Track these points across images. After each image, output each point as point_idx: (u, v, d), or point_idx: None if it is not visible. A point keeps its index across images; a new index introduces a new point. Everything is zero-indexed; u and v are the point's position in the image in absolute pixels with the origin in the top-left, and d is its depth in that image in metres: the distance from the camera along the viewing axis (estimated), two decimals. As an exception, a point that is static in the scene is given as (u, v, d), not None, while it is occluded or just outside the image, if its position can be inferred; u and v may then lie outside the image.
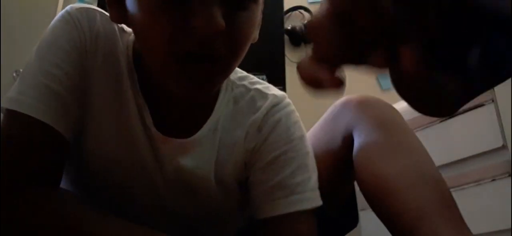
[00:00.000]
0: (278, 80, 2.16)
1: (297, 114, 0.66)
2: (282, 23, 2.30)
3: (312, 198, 0.60)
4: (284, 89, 2.24)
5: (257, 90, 0.67)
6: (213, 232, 0.71)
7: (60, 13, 0.60)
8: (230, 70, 0.55)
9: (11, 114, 0.53)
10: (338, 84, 0.26)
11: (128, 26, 0.58)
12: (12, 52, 1.68)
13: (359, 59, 0.27)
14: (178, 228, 0.66)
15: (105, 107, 0.59)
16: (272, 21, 2.22)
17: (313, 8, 2.57)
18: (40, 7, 1.98)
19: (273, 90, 0.68)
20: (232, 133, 0.64)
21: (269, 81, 0.70)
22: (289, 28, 2.47)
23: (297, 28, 2.47)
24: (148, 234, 0.52)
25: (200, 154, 0.62)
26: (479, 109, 1.54)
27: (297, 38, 2.49)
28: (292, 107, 0.67)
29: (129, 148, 0.60)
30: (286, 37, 2.45)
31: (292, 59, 2.45)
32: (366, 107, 0.60)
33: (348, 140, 0.61)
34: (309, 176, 0.62)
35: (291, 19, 2.57)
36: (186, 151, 0.61)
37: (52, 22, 0.59)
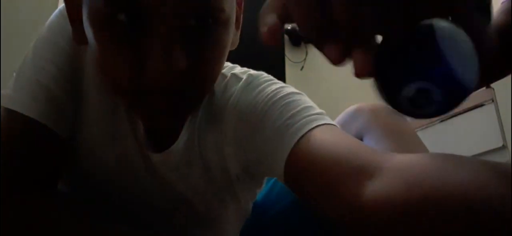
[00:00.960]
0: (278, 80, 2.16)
1: (280, 83, 0.60)
2: (282, 23, 2.31)
3: (313, 120, 0.51)
4: (284, 89, 2.24)
5: (234, 74, 0.61)
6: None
7: (58, 8, 0.58)
8: (200, 98, 0.52)
9: (6, 112, 0.52)
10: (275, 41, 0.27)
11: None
12: (12, 52, 1.68)
13: (319, 42, 0.28)
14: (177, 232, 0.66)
15: (98, 110, 0.58)
16: (272, 21, 2.22)
17: (313, 8, 2.57)
18: (41, 7, 1.98)
19: (251, 71, 0.62)
20: (211, 129, 0.59)
21: (269, 82, 0.68)
22: (289, 28, 2.47)
23: (297, 28, 2.47)
24: None
25: (184, 165, 0.60)
26: (479, 109, 1.54)
27: (297, 38, 2.49)
28: (272, 78, 0.60)
29: (120, 156, 0.59)
30: (285, 37, 2.45)
31: (292, 59, 2.45)
32: (378, 115, 0.60)
33: None
34: (306, 106, 0.54)
35: (291, 19, 2.57)
36: (170, 164, 0.59)
37: (50, 18, 0.58)
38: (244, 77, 0.61)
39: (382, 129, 0.58)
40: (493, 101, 1.52)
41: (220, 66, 0.51)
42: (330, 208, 0.44)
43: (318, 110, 0.55)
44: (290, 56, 2.45)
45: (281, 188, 0.68)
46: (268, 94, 0.56)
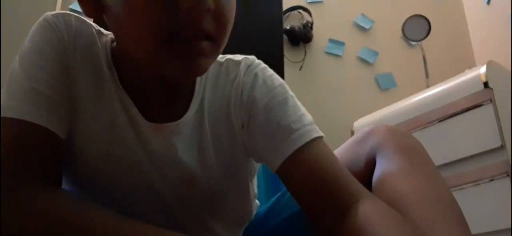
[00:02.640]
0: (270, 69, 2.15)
1: (270, 69, 0.71)
2: (280, 23, 2.30)
3: (312, 130, 0.63)
4: (283, 89, 2.23)
5: (228, 59, 0.69)
6: (219, 227, 0.71)
7: (37, 22, 0.61)
8: (219, 48, 0.57)
9: (4, 122, 0.53)
10: None
11: (107, 19, 0.59)
12: (12, 52, 1.68)
13: None
14: (181, 223, 0.67)
15: (90, 106, 0.60)
16: (271, 21, 2.22)
17: (312, 8, 2.57)
18: (40, 8, 1.98)
19: (242, 57, 0.71)
20: (218, 108, 0.66)
21: (268, 81, 0.70)
22: (288, 28, 2.47)
23: (296, 28, 2.47)
24: (150, 231, 0.52)
25: (189, 138, 0.64)
26: (477, 110, 1.54)
27: (296, 38, 2.48)
28: (264, 64, 0.71)
29: (118, 145, 0.61)
30: (285, 37, 2.45)
31: (291, 59, 2.45)
32: (392, 135, 0.62)
33: (371, 163, 0.63)
34: (302, 113, 0.65)
35: (290, 19, 2.57)
36: (174, 136, 0.62)
37: (31, 31, 0.61)
38: (242, 60, 0.69)
39: (394, 148, 0.60)
40: (491, 101, 1.52)
41: (231, 23, 0.57)
42: (311, 220, 0.60)
43: (309, 117, 0.65)
44: (289, 56, 2.45)
45: (288, 200, 0.71)
46: (273, 89, 0.66)
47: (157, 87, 0.62)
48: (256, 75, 0.67)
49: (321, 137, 0.63)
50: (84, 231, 0.50)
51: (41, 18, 0.61)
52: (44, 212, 0.50)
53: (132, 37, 0.54)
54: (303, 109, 0.66)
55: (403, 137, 0.62)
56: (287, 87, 0.68)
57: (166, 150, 0.62)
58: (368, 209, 0.53)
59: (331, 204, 0.58)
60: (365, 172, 0.65)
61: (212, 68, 0.67)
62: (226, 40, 0.57)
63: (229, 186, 0.69)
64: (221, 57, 0.69)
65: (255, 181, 0.78)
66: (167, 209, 0.65)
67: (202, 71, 0.57)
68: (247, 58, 0.70)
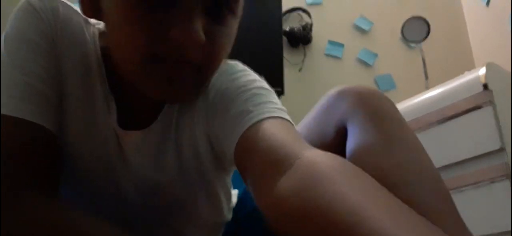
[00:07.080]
0: (276, 82, 2.16)
1: (252, 72, 0.64)
2: (280, 24, 2.30)
3: (272, 111, 0.55)
4: (282, 91, 2.23)
5: None
6: (192, 233, 0.70)
7: (20, 4, 0.57)
8: (205, 78, 0.55)
9: (1, 119, 0.51)
10: None
11: (103, 21, 0.56)
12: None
13: None
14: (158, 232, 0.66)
15: (76, 100, 0.58)
16: (271, 22, 2.22)
17: (312, 10, 2.57)
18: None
19: (227, 61, 0.65)
20: (186, 115, 0.63)
21: (267, 83, 0.68)
22: (287, 29, 2.47)
23: (296, 29, 2.47)
24: None
25: (153, 147, 0.62)
26: (477, 112, 1.54)
27: (296, 39, 2.48)
28: (246, 68, 0.64)
29: (96, 144, 0.59)
30: (284, 38, 2.45)
31: (290, 60, 2.45)
32: (363, 99, 0.56)
33: (341, 132, 0.57)
34: (270, 101, 0.57)
35: (290, 20, 2.57)
36: (147, 143, 0.61)
37: (14, 14, 0.57)
38: (222, 68, 0.62)
39: (367, 114, 0.54)
40: (491, 103, 1.52)
41: (225, 54, 0.54)
42: (255, 198, 0.50)
43: (279, 106, 0.58)
44: (289, 57, 2.45)
45: None
46: (241, 84, 0.60)
47: (138, 95, 0.59)
48: (227, 76, 0.61)
49: (281, 118, 0.55)
50: None
51: (24, 1, 0.57)
52: (38, 218, 0.49)
53: (120, 50, 0.53)
54: (275, 99, 0.59)
55: (374, 98, 0.56)
56: (263, 83, 0.62)
57: (132, 157, 0.61)
58: (314, 161, 0.43)
59: (265, 164, 0.48)
60: (336, 142, 0.57)
61: None
62: (215, 70, 0.55)
63: (195, 196, 0.66)
64: None
65: (229, 183, 0.75)
66: (135, 212, 0.64)
67: (181, 99, 0.56)
68: (226, 63, 0.64)
